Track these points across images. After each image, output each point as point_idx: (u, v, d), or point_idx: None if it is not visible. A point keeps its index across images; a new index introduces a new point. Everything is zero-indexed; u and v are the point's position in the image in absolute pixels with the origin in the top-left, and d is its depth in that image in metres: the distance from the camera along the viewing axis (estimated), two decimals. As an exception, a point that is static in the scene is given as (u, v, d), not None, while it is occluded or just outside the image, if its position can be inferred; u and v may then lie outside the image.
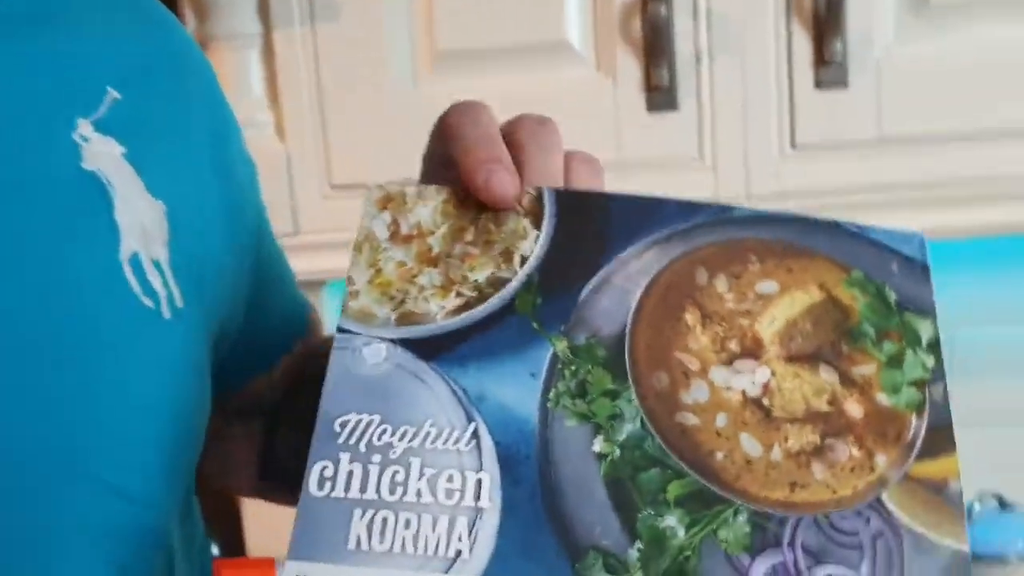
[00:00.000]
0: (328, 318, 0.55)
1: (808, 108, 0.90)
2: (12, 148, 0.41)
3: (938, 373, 0.39)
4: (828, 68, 0.86)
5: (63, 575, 0.40)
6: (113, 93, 0.45)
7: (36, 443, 0.39)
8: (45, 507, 0.40)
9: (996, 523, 1.00)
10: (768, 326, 0.39)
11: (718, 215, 0.42)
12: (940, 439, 0.38)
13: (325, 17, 0.91)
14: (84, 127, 0.44)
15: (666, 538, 0.35)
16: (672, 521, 0.36)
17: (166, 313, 0.43)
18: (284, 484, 0.56)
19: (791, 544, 0.36)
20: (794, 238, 0.42)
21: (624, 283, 0.40)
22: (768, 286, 0.40)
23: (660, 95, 0.90)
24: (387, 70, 0.95)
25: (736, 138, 0.91)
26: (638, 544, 0.35)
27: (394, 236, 0.41)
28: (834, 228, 0.42)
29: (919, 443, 0.38)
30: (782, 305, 0.40)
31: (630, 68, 0.91)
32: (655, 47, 0.88)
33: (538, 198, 0.42)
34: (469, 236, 0.41)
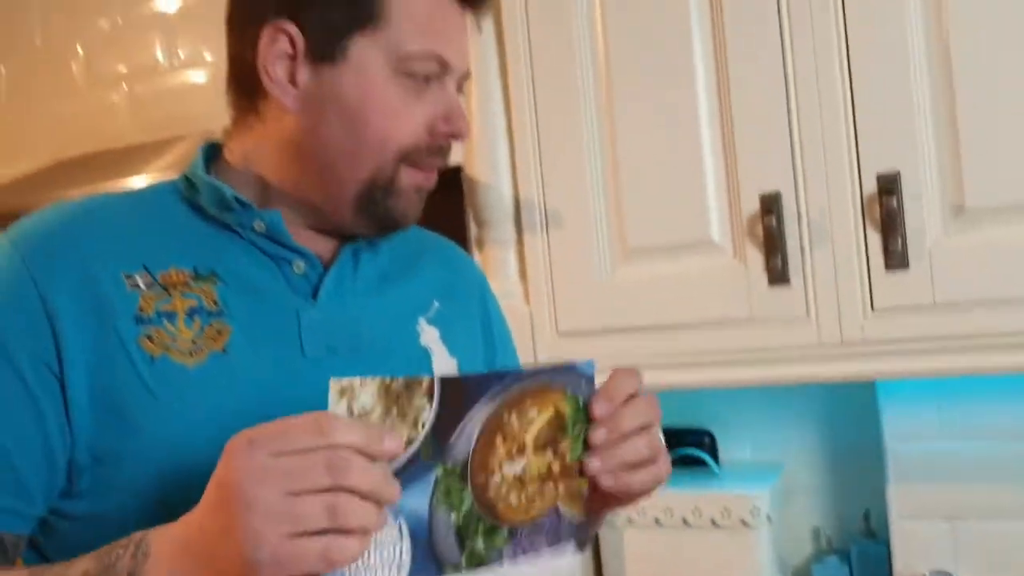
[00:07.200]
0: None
1: (881, 283, 1.30)
2: (390, 332, 0.90)
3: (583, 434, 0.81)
4: (893, 256, 1.28)
5: None
6: (436, 303, 0.96)
7: None
8: None
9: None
10: (530, 436, 0.77)
11: (516, 377, 0.75)
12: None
13: (554, 226, 1.50)
14: (422, 322, 0.93)
15: (476, 551, 0.76)
16: (480, 543, 0.76)
17: None
18: None
19: (524, 538, 0.79)
20: (547, 379, 0.77)
21: (470, 428, 0.73)
22: (533, 412, 0.77)
23: (776, 275, 1.35)
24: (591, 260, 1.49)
25: (831, 304, 1.33)
26: (463, 557, 0.75)
27: (349, 415, 0.67)
28: (565, 368, 0.78)
29: (580, 473, 0.81)
30: (538, 422, 0.77)
31: (756, 257, 1.37)
32: (772, 242, 1.34)
33: (432, 383, 0.71)
34: (394, 411, 0.69)
